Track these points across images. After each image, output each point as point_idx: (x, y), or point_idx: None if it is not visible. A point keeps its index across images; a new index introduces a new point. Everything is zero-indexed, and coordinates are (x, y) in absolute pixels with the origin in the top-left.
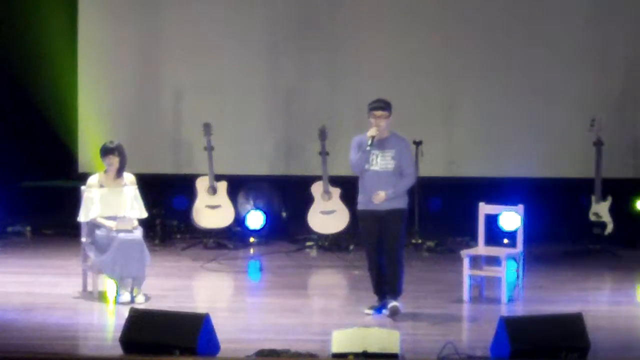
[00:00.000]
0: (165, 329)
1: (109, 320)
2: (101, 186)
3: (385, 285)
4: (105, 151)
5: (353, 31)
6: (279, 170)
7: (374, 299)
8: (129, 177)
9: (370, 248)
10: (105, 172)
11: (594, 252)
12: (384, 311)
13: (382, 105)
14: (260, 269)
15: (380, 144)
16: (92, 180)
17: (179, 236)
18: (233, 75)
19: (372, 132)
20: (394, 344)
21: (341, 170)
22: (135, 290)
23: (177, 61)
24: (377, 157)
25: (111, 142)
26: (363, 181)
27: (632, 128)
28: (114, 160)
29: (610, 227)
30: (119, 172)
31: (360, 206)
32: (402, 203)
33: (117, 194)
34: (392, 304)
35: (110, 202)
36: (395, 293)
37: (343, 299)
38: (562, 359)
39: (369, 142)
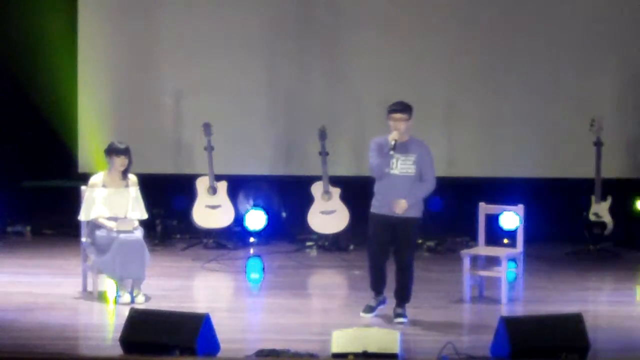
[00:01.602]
0: (165, 329)
1: (109, 320)
2: (104, 186)
3: (394, 291)
4: (116, 151)
5: (353, 31)
6: (279, 170)
7: (370, 300)
8: (131, 178)
9: (376, 250)
10: (109, 171)
11: (594, 252)
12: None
13: (401, 108)
14: (262, 269)
15: (401, 147)
16: (95, 179)
17: (179, 236)
18: (233, 75)
19: (394, 135)
20: (394, 344)
21: (341, 170)
22: (135, 290)
23: (177, 61)
24: (397, 161)
25: (120, 142)
26: (380, 185)
27: (632, 128)
28: (124, 162)
29: (610, 227)
30: (125, 174)
31: (374, 209)
32: (417, 212)
33: (120, 195)
34: (399, 320)
35: (113, 203)
36: (404, 299)
37: (343, 299)
38: (562, 359)
39: (392, 145)
